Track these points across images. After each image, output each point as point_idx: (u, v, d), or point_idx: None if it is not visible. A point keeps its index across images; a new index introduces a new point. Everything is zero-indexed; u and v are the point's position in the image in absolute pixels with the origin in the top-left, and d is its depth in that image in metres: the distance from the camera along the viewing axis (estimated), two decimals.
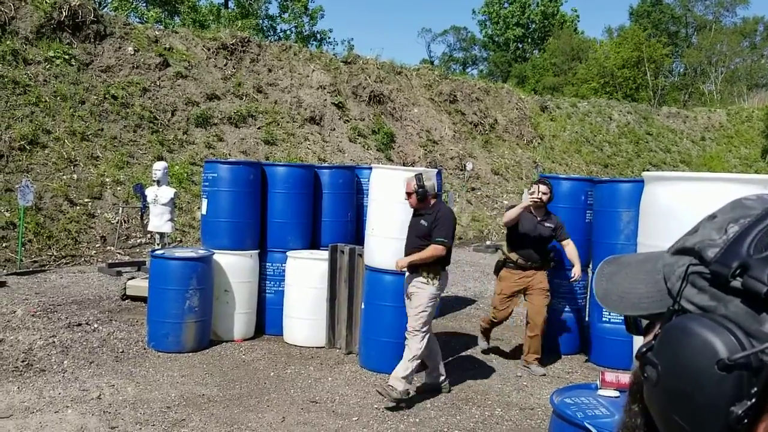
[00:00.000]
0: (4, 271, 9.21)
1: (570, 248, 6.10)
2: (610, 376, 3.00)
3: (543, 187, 6.03)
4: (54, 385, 5.07)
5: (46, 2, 13.61)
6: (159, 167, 8.27)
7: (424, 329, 5.00)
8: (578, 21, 48.34)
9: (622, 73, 35.01)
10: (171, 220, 8.25)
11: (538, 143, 22.48)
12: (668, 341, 0.64)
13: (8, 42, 12.57)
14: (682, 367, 0.62)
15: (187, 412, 4.69)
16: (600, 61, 36.86)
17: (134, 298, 7.68)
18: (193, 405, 4.84)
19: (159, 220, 8.16)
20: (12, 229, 10.09)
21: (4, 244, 9.90)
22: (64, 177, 11.59)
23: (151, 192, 8.25)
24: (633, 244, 5.26)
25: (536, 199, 5.94)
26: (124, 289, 7.88)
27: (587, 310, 6.87)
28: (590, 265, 6.83)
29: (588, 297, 6.86)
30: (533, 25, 46.05)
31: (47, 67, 12.91)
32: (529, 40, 46.73)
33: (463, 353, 6.62)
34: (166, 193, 8.10)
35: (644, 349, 0.67)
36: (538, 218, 6.03)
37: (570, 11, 47.98)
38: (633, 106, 28.49)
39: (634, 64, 35.12)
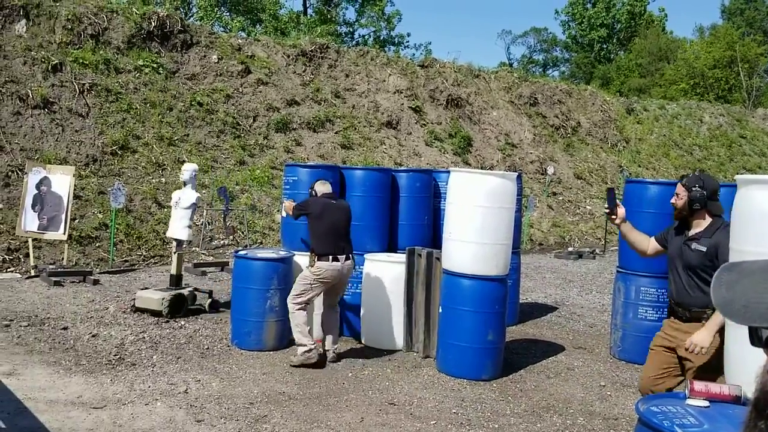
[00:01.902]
0: (98, 269, 9.70)
1: None
2: (699, 385, 2.85)
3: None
4: (144, 379, 5.28)
5: (136, 13, 14.28)
6: (188, 168, 7.64)
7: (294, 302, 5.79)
8: (666, 20, 46.61)
9: (714, 73, 33.49)
10: (189, 226, 7.58)
11: (624, 147, 21.78)
12: None
13: (101, 52, 13.25)
14: None
15: (268, 409, 4.78)
16: (690, 61, 35.38)
17: (142, 311, 7.22)
18: (274, 402, 4.93)
19: (176, 225, 7.53)
20: (104, 230, 10.62)
21: (97, 244, 10.42)
22: (153, 180, 12.10)
23: (175, 195, 7.68)
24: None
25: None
26: (134, 300, 7.41)
27: None
28: None
29: None
30: (618, 25, 44.73)
31: (137, 75, 13.53)
32: (614, 41, 45.44)
33: (544, 360, 6.47)
34: (190, 196, 7.50)
35: None
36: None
37: (658, 11, 46.35)
38: (725, 108, 27.19)
39: (726, 64, 33.55)
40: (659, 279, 6.47)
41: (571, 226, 16.86)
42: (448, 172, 6.72)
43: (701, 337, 3.50)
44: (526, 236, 14.63)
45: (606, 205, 4.02)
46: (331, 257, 5.70)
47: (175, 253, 7.66)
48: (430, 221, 7.24)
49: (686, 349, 3.55)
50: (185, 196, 7.48)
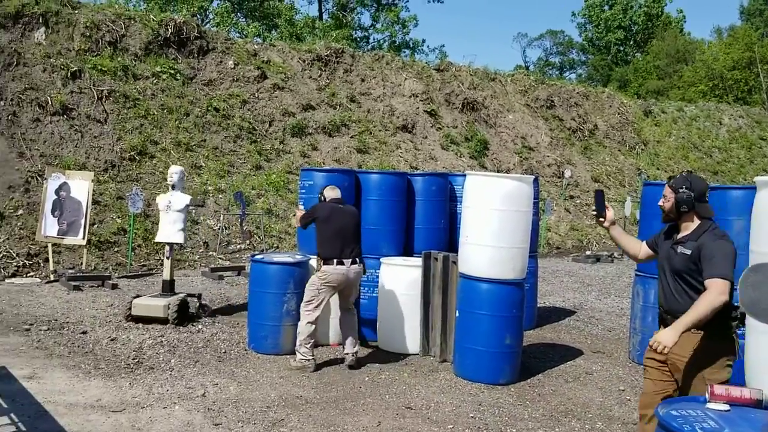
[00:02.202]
0: (116, 274, 9.78)
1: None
2: (719, 389, 2.81)
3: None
4: (162, 383, 5.31)
5: (153, 20, 14.42)
6: (175, 171, 7.45)
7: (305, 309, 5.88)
8: (684, 22, 46.21)
9: (733, 75, 33.14)
10: (183, 229, 7.44)
11: (642, 149, 21.60)
12: None
13: (119, 58, 13.39)
14: None
15: (285, 412, 4.79)
16: (708, 62, 35.03)
17: (139, 319, 6.97)
18: (291, 406, 4.94)
19: (170, 229, 7.37)
20: (123, 235, 10.71)
21: (115, 249, 10.51)
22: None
23: (164, 199, 7.45)
24: (745, 253, 4.93)
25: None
26: (130, 308, 7.09)
27: None
28: None
29: None
30: (636, 27, 44.42)
31: (155, 81, 13.65)
32: (632, 43, 45.12)
33: (562, 365, 6.42)
34: (181, 199, 7.39)
35: None
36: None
37: (675, 12, 46.00)
38: (745, 110, 26.88)
39: (745, 66, 33.18)
40: None
41: (589, 230, 16.74)
42: (464, 175, 6.70)
43: (666, 335, 3.25)
44: (544, 240, 14.55)
45: (593, 208, 3.86)
46: (335, 261, 5.75)
47: (168, 258, 7.48)
48: (447, 225, 7.23)
49: (650, 346, 3.34)
50: (176, 200, 7.36)
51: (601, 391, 5.68)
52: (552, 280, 11.32)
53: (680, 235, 3.55)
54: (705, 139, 23.89)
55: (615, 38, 44.40)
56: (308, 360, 5.82)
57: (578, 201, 17.94)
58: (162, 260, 10.60)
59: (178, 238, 7.43)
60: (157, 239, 7.78)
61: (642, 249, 3.91)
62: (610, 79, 40.24)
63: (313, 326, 5.85)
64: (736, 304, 3.12)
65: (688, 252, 3.42)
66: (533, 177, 6.12)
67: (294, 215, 7.22)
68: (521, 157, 18.17)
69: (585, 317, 8.65)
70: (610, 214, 3.83)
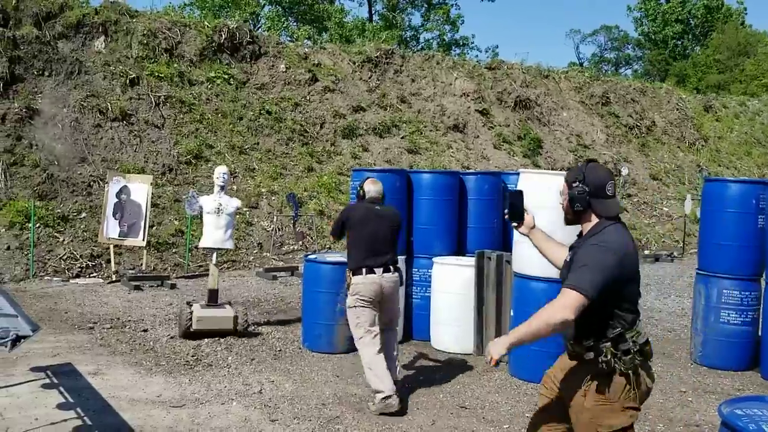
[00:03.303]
0: (174, 274, 10.04)
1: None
2: None
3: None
4: (220, 379, 5.42)
5: (207, 27, 14.75)
6: (224, 172, 6.84)
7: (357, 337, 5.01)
8: (745, 14, 44.56)
9: None
10: (232, 234, 6.93)
11: (702, 145, 20.95)
12: None
13: (175, 65, 13.75)
14: None
15: (340, 410, 4.82)
16: None
17: (201, 334, 6.40)
18: (346, 403, 4.97)
19: (219, 234, 6.68)
20: (180, 236, 10.98)
21: (173, 250, 10.79)
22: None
23: (211, 201, 6.72)
24: None
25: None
26: (189, 320, 6.41)
27: (760, 322, 6.26)
28: (763, 275, 6.24)
29: (762, 309, 6.24)
30: (694, 20, 43.09)
31: (209, 86, 13.96)
32: (690, 36, 43.78)
33: None
34: (232, 203, 6.83)
35: None
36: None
37: (736, 4, 44.43)
38: None
39: None
40: (743, 281, 6.19)
41: (648, 229, 16.32)
42: (518, 173, 6.62)
43: (494, 345, 2.68)
44: None
45: (506, 210, 3.19)
46: (365, 270, 4.91)
47: (215, 264, 6.87)
48: (500, 224, 7.15)
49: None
50: (227, 203, 6.75)
51: (661, 393, 5.52)
52: None
53: (576, 240, 2.90)
54: None
55: (673, 32, 43.13)
56: (390, 392, 4.73)
57: (636, 199, 17.51)
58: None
59: (229, 244, 6.87)
60: (204, 244, 6.90)
61: (565, 256, 2.99)
62: (667, 75, 39.14)
63: (375, 349, 4.87)
64: (634, 333, 2.66)
65: (569, 260, 2.81)
66: None
67: None
68: (576, 155, 17.85)
69: (644, 318, 8.37)
70: (529, 218, 3.21)
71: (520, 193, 3.25)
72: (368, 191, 5.19)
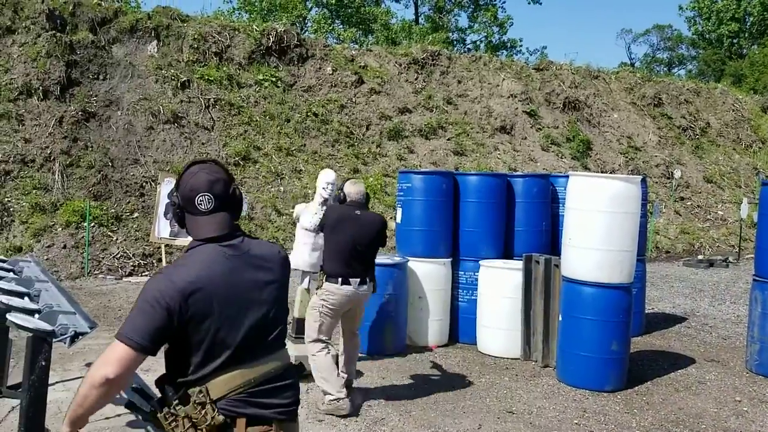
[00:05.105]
0: None
1: None
2: None
3: None
4: None
5: (255, 30, 14.97)
6: (331, 180, 5.77)
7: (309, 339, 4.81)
8: None
9: None
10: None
11: (759, 147, 20.26)
12: None
13: (224, 68, 13.99)
14: None
15: (386, 412, 4.82)
16: None
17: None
18: (392, 405, 4.97)
19: (318, 256, 5.54)
20: None
21: None
22: (272, 189, 12.60)
23: (311, 215, 5.67)
24: None
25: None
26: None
27: None
28: None
29: None
30: (751, 19, 41.71)
31: (257, 89, 14.16)
32: (747, 35, 42.39)
33: (672, 373, 6.10)
34: None
35: None
36: None
37: None
38: None
39: None
40: None
41: (701, 233, 15.87)
42: (567, 176, 6.51)
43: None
44: (652, 243, 13.91)
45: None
46: (340, 279, 4.68)
47: (308, 290, 5.72)
48: (548, 227, 7.05)
49: None
50: None
51: (715, 402, 5.35)
52: (661, 285, 10.80)
53: None
54: None
55: (728, 31, 41.82)
56: (340, 395, 4.66)
57: (689, 203, 17.05)
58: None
59: (318, 266, 5.45)
60: (297, 266, 5.63)
61: None
62: (723, 75, 37.94)
63: (328, 354, 4.74)
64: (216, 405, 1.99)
65: None
66: (641, 177, 5.86)
67: (392, 218, 6.94)
68: (627, 157, 17.48)
69: (697, 324, 8.19)
70: None
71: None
72: (348, 193, 4.86)
